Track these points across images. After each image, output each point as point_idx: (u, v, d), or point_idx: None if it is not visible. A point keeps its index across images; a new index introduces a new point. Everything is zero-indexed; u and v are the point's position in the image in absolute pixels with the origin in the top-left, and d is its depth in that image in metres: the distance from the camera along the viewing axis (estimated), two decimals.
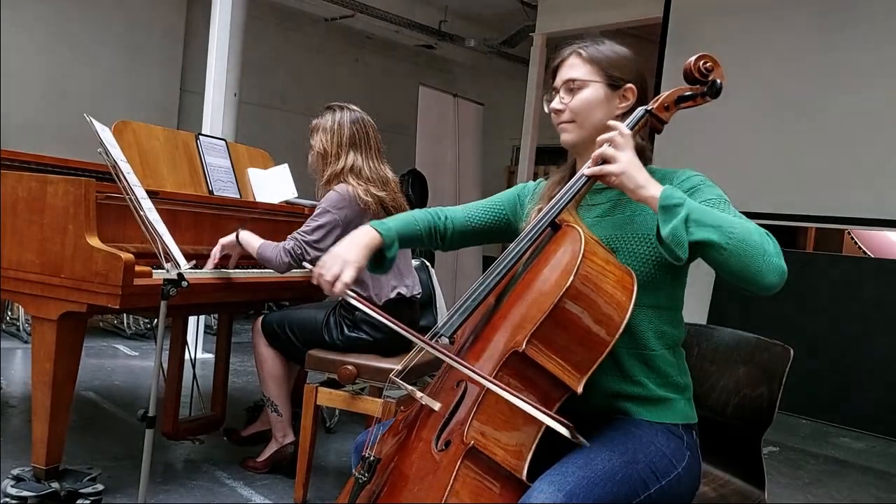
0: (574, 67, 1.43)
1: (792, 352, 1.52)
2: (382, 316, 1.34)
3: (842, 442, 4.22)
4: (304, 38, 7.60)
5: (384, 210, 2.55)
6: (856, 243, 6.07)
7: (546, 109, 1.48)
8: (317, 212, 2.49)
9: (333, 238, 2.44)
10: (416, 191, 5.77)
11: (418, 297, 2.66)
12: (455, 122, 6.47)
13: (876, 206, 4.34)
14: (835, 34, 4.56)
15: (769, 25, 4.83)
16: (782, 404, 1.53)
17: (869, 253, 5.98)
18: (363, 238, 1.45)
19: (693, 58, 1.37)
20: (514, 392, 1.15)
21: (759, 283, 1.19)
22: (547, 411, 1.14)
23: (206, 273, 2.40)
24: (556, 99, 1.45)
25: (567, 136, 1.44)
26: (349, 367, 2.37)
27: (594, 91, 1.41)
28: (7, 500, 2.10)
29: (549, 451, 1.22)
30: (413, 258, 2.82)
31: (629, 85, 1.42)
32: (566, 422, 1.13)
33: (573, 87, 1.42)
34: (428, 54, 7.96)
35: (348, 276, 1.37)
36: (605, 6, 5.78)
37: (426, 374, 2.33)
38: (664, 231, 1.20)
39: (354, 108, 2.66)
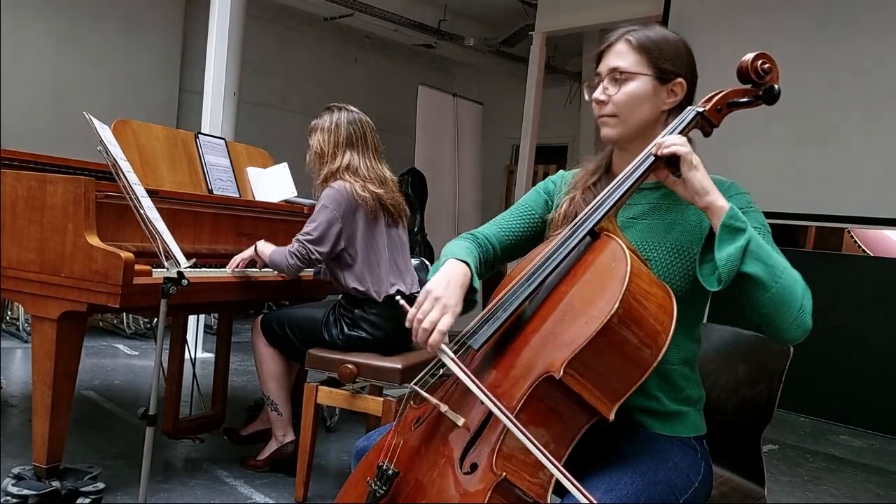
0: (622, 55, 1.30)
1: (791, 350, 1.51)
2: (468, 376, 1.14)
3: (841, 440, 4.23)
4: (303, 38, 7.59)
5: (382, 207, 2.56)
6: (855, 242, 6.06)
7: (587, 97, 1.35)
8: (316, 210, 2.50)
9: (334, 234, 2.46)
10: (415, 190, 5.77)
11: (417, 295, 2.66)
12: (454, 122, 6.47)
13: (876, 205, 4.34)
14: (835, 33, 4.56)
15: (769, 24, 4.83)
16: (782, 402, 1.53)
17: (868, 252, 5.97)
18: (458, 275, 1.26)
19: (750, 56, 1.26)
20: (536, 443, 1.07)
21: (783, 333, 1.17)
22: (561, 468, 1.07)
23: (206, 272, 2.41)
24: (600, 88, 1.32)
25: (609, 132, 1.33)
26: (349, 365, 2.37)
27: (642, 84, 1.29)
28: (8, 498, 2.10)
29: (568, 467, 1.17)
30: (412, 257, 2.82)
31: (679, 79, 1.30)
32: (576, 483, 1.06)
33: (619, 77, 1.29)
34: (427, 53, 7.96)
35: (446, 324, 1.19)
36: (604, 5, 5.76)
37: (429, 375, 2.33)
38: (720, 253, 1.14)
39: (353, 108, 2.66)
